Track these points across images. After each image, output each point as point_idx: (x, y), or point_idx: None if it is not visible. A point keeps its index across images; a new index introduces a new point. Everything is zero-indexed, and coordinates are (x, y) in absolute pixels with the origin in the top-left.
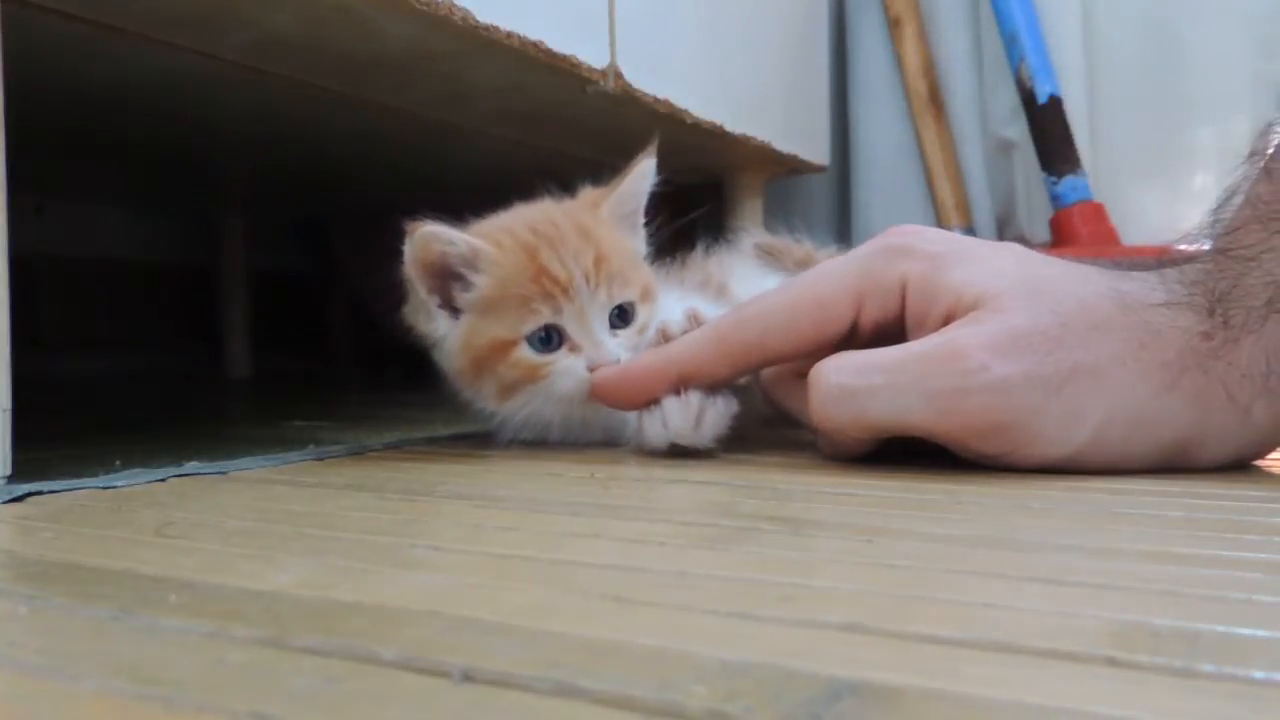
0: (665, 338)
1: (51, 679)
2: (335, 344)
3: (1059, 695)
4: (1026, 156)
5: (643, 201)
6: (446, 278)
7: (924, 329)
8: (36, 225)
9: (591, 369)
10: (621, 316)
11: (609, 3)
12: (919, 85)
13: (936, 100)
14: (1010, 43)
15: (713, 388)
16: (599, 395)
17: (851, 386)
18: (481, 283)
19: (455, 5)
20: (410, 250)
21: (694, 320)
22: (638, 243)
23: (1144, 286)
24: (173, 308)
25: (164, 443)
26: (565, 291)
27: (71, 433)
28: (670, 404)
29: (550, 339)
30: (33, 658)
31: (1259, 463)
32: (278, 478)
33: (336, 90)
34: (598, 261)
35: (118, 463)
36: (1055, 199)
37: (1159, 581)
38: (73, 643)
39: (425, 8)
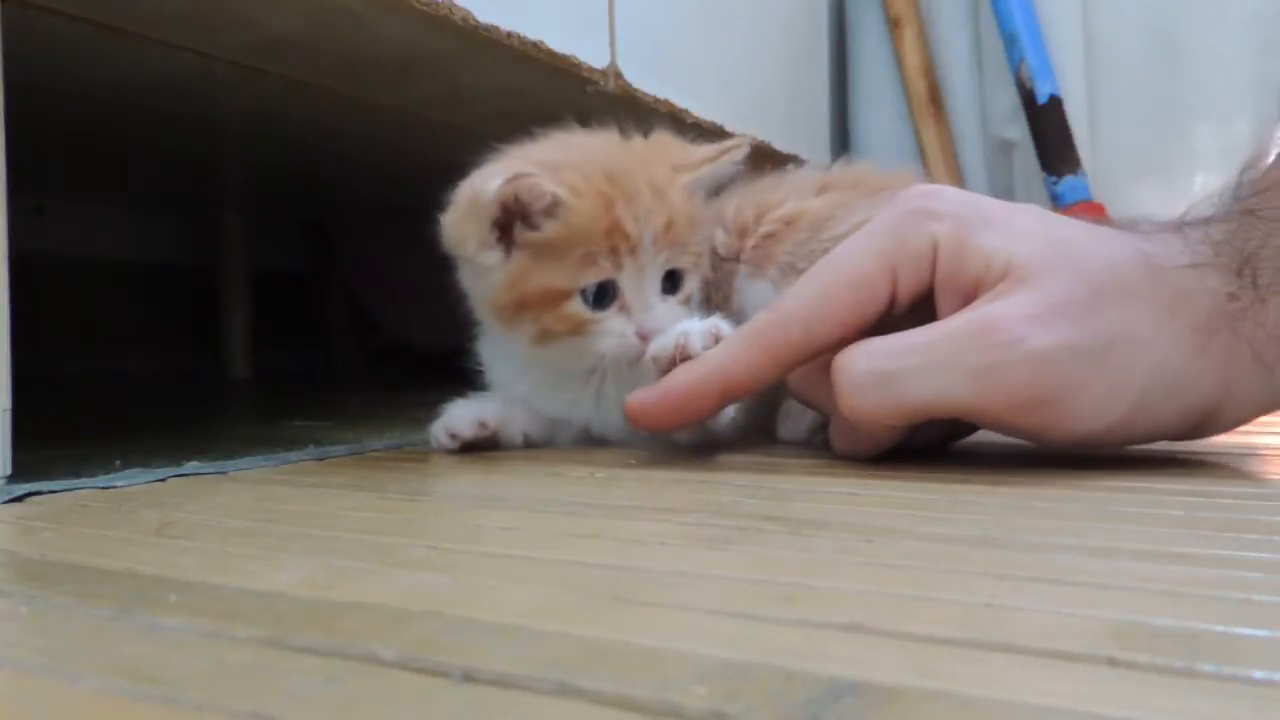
0: (684, 356)
1: (51, 679)
2: (335, 344)
3: (1059, 695)
4: (1026, 156)
5: (720, 183)
6: (515, 216)
7: (951, 293)
8: (36, 225)
9: (639, 333)
10: (671, 282)
11: (609, 3)
12: (919, 85)
13: (936, 100)
14: (1010, 43)
15: (758, 393)
16: (636, 420)
17: (884, 370)
18: (549, 228)
19: (455, 5)
20: (496, 190)
21: (714, 337)
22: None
23: (1169, 248)
24: (173, 308)
25: (164, 443)
26: (632, 250)
27: (71, 433)
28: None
29: (603, 295)
30: (33, 658)
31: (1259, 463)
32: (278, 478)
33: (336, 90)
34: (667, 226)
35: (118, 463)
36: (1055, 199)
37: (1159, 581)
38: (73, 643)
39: (425, 8)
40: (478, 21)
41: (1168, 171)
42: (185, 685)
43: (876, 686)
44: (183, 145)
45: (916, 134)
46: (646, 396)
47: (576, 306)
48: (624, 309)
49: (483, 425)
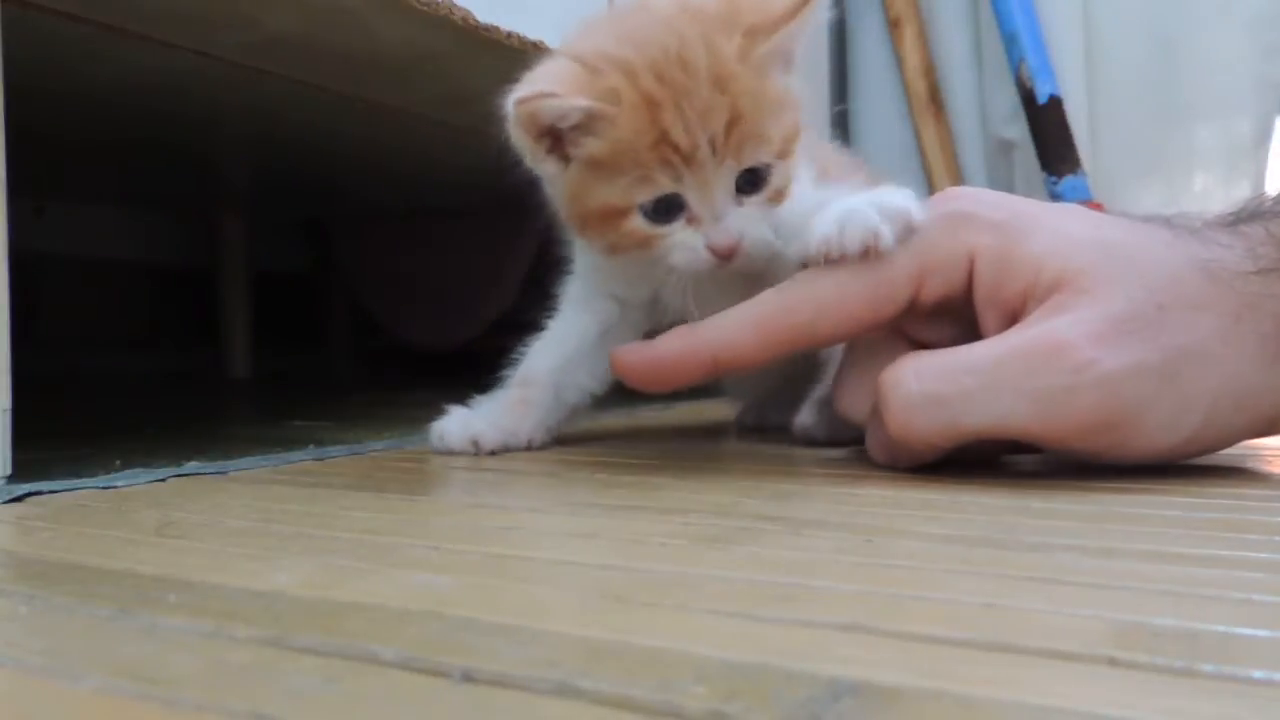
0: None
1: (51, 679)
2: (335, 344)
3: (1059, 695)
4: (1026, 156)
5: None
6: (558, 133)
7: (997, 306)
8: (36, 225)
9: (710, 248)
10: (751, 181)
11: (609, 3)
12: (919, 85)
13: (936, 100)
14: (1010, 43)
15: (749, 370)
16: (623, 376)
17: (939, 393)
18: (591, 144)
19: (455, 5)
20: (514, 122)
21: (905, 223)
22: (791, 79)
23: (1229, 253)
24: (173, 308)
25: (164, 443)
26: (688, 161)
27: (71, 433)
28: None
29: (667, 208)
30: (33, 658)
31: (1259, 463)
32: (278, 478)
33: (336, 90)
34: (731, 124)
35: (118, 463)
36: (1055, 199)
37: (1159, 581)
38: (73, 643)
39: (425, 8)
40: (478, 21)
41: (1168, 171)
42: (185, 685)
43: (876, 686)
44: (183, 145)
45: (916, 134)
46: (639, 355)
47: (637, 223)
48: (692, 221)
49: (475, 444)
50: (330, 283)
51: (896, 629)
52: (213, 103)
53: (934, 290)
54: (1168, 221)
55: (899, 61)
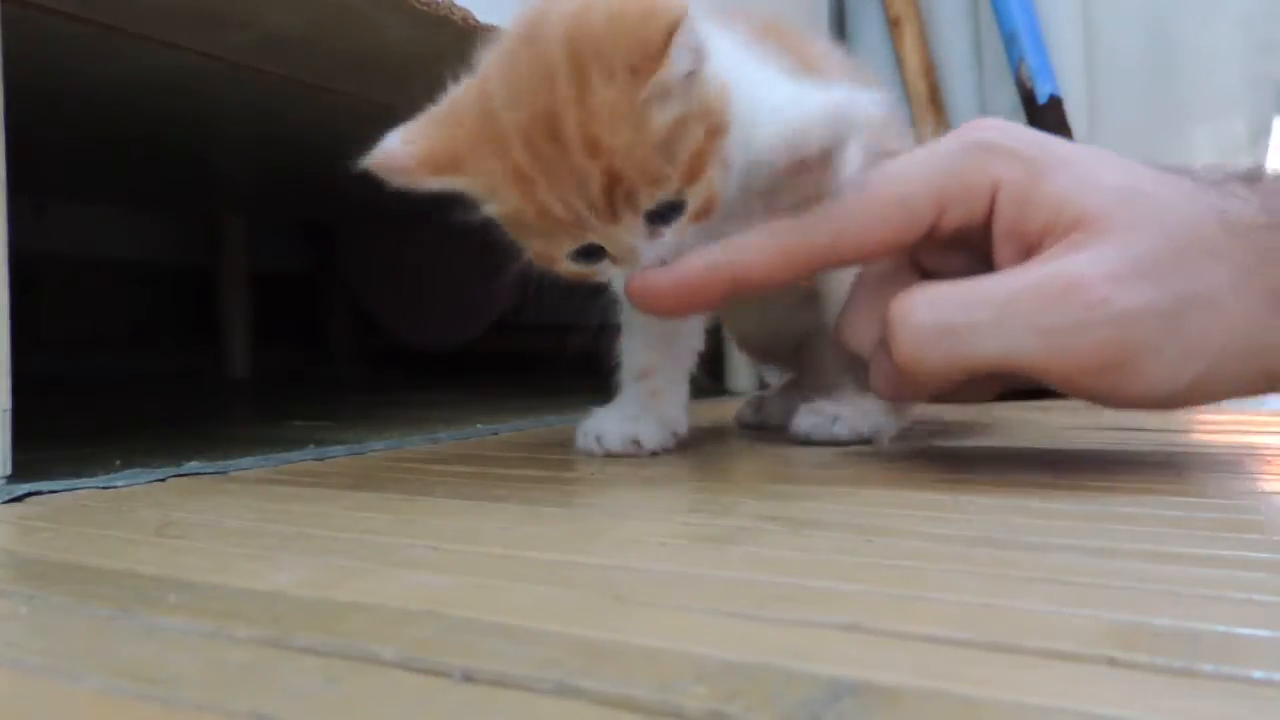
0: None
1: (51, 679)
2: (335, 344)
3: (1059, 695)
4: None
5: (695, 63)
6: None
7: (1015, 240)
8: (36, 225)
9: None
10: (664, 213)
11: None
12: (919, 86)
13: (936, 100)
14: (1010, 43)
15: (765, 289)
16: (638, 301)
17: (951, 324)
18: (492, 208)
19: (455, 5)
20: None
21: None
22: (694, 84)
23: (1246, 205)
24: (173, 308)
25: (164, 443)
26: (578, 225)
27: (71, 433)
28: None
29: (591, 250)
30: (33, 658)
31: (1259, 463)
32: (278, 478)
33: (337, 90)
34: (610, 187)
35: (118, 463)
36: None
37: (1159, 581)
38: (73, 643)
39: (425, 8)
40: (478, 21)
41: None
42: (185, 685)
43: (876, 686)
44: (183, 145)
45: (916, 134)
46: (658, 278)
47: (569, 265)
48: (614, 260)
49: (636, 444)
50: (330, 283)
51: (896, 629)
52: (213, 102)
53: (954, 218)
54: (1191, 172)
55: (899, 61)
